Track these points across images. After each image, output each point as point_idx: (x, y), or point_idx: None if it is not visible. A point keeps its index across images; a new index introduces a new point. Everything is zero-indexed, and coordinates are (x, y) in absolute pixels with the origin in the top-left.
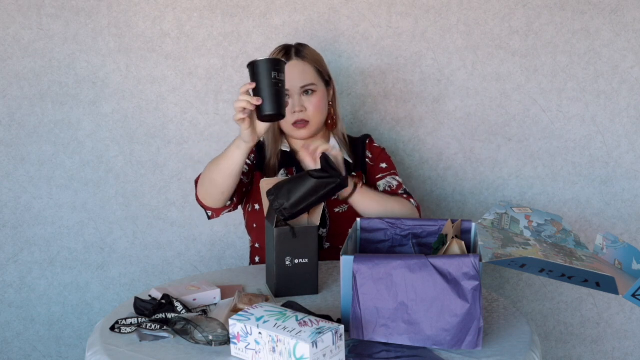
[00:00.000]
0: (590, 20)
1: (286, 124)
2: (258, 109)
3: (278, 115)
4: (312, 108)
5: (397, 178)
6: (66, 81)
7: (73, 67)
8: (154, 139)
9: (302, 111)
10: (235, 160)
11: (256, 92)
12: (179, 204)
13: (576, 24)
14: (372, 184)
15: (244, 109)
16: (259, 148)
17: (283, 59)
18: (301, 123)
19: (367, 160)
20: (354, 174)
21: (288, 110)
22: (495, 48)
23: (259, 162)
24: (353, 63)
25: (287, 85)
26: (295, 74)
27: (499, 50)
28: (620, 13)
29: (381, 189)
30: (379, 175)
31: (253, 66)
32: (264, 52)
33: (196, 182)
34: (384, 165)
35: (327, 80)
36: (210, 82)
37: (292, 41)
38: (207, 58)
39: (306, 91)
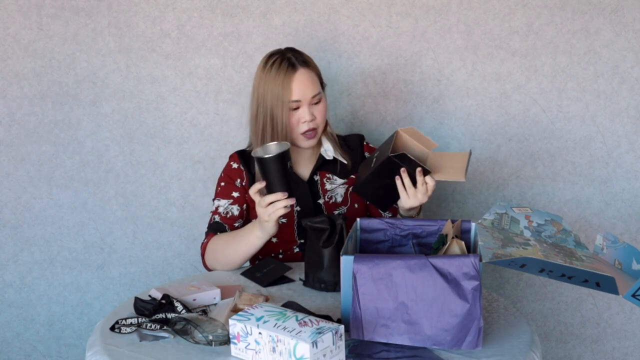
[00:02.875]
0: (590, 20)
1: (295, 133)
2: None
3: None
4: (319, 116)
5: None
6: (66, 81)
7: (73, 67)
8: (154, 139)
9: (312, 120)
10: (256, 246)
11: (271, 186)
12: (179, 204)
13: (576, 24)
14: None
15: (284, 207)
16: (244, 163)
17: (288, 145)
18: (311, 132)
19: None
20: (353, 176)
21: (297, 120)
22: (495, 48)
23: (250, 176)
24: (353, 63)
25: (300, 96)
26: (306, 83)
27: (499, 50)
28: (620, 13)
29: None
30: None
31: (266, 162)
32: (264, 52)
33: (203, 249)
34: None
35: (324, 85)
36: (210, 82)
37: (292, 41)
38: (207, 58)
39: (316, 101)
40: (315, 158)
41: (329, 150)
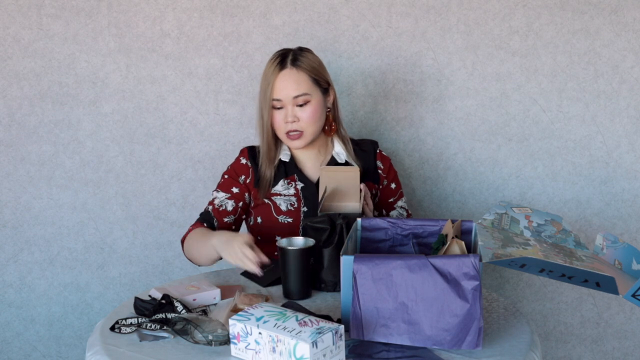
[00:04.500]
0: (590, 20)
1: (280, 133)
2: (284, 287)
3: (305, 297)
4: (305, 118)
5: (405, 201)
6: (66, 81)
7: (73, 67)
8: (154, 139)
9: (294, 122)
10: (212, 256)
11: (286, 275)
12: (179, 204)
13: (576, 24)
14: (383, 207)
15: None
16: (252, 160)
17: (312, 242)
18: (295, 133)
19: (379, 171)
20: (363, 184)
21: (281, 119)
22: (495, 48)
23: (256, 172)
24: (353, 63)
25: (280, 95)
26: (289, 83)
27: (499, 50)
28: (620, 13)
29: None
30: (391, 200)
31: (285, 253)
32: (264, 52)
33: (184, 235)
34: (393, 186)
35: (325, 88)
36: (210, 82)
37: (292, 41)
38: (207, 58)
39: (300, 103)
40: (326, 160)
41: (340, 154)
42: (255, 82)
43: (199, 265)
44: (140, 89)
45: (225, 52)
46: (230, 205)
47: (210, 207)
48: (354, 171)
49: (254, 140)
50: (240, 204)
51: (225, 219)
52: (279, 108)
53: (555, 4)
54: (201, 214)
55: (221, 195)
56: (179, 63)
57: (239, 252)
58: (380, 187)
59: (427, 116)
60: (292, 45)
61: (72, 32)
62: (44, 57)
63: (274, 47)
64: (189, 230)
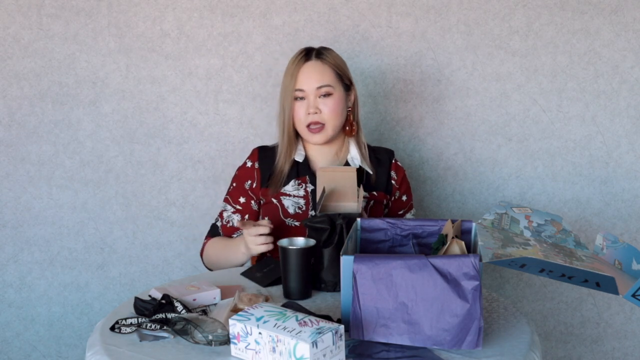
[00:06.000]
0: (590, 20)
1: (301, 126)
2: (284, 287)
3: (305, 297)
4: (327, 111)
5: (413, 213)
6: (66, 81)
7: (73, 67)
8: (154, 139)
9: (316, 113)
10: (242, 261)
11: (286, 273)
12: (179, 204)
13: (576, 24)
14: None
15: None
16: (262, 160)
17: (313, 242)
18: (316, 126)
19: (392, 182)
20: (375, 193)
21: (303, 111)
22: (495, 48)
23: (264, 174)
24: (353, 63)
25: (304, 86)
26: (312, 73)
27: (499, 50)
28: (620, 13)
29: None
30: (401, 212)
31: (286, 253)
32: (264, 52)
33: (201, 251)
34: (404, 198)
35: (347, 85)
36: (210, 82)
37: (292, 41)
38: (207, 58)
39: (323, 93)
40: (341, 164)
41: (355, 159)
42: (256, 82)
43: (217, 269)
44: (140, 89)
45: (225, 52)
46: (236, 220)
47: (220, 222)
48: (351, 171)
49: (254, 140)
50: (247, 216)
51: (234, 235)
52: (301, 99)
53: (555, 4)
54: (212, 227)
55: (229, 208)
56: (179, 63)
57: (255, 240)
58: (393, 198)
59: (427, 116)
60: (293, 45)
61: (72, 32)
62: (44, 57)
63: (274, 47)
64: (203, 247)
